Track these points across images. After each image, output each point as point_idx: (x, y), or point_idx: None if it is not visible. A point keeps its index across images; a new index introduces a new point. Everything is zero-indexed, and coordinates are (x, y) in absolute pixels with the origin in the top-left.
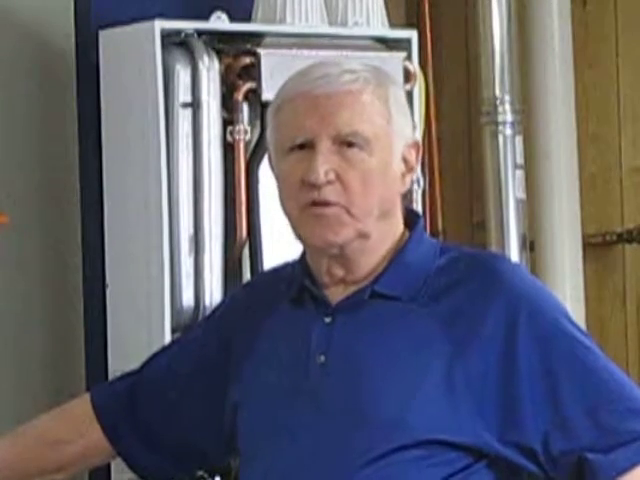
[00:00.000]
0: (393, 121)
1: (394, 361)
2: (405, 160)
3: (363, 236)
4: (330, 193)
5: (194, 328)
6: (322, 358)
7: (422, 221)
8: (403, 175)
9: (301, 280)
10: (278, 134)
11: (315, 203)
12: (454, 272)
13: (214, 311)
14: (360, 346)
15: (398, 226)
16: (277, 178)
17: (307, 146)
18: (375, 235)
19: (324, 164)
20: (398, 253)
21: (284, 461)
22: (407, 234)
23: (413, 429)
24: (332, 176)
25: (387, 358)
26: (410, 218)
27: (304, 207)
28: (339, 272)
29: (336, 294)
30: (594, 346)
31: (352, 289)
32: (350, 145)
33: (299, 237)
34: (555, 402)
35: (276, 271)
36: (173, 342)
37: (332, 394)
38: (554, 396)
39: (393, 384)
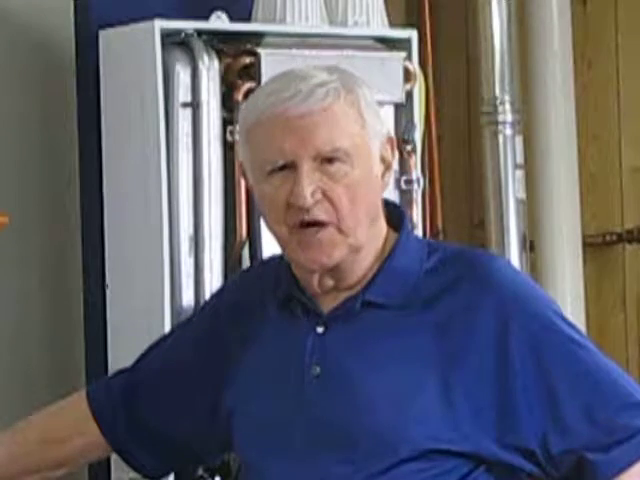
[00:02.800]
0: (367, 125)
1: (388, 372)
2: (383, 159)
3: (356, 250)
4: (319, 212)
5: (186, 323)
6: (317, 369)
7: (408, 220)
8: (383, 175)
9: (289, 288)
10: (254, 156)
11: (304, 224)
12: (443, 275)
13: (203, 307)
14: (354, 357)
15: (383, 227)
16: (259, 200)
17: (288, 167)
18: (366, 244)
19: (309, 185)
20: (387, 259)
21: (281, 474)
22: (393, 234)
23: (411, 441)
24: (319, 195)
25: (382, 369)
26: (394, 215)
27: (293, 228)
28: (330, 283)
29: (326, 302)
30: (588, 343)
31: (343, 296)
32: (331, 160)
33: (289, 258)
34: (551, 402)
35: (263, 266)
36: (166, 336)
37: (328, 406)
38: (550, 396)
39: (389, 396)
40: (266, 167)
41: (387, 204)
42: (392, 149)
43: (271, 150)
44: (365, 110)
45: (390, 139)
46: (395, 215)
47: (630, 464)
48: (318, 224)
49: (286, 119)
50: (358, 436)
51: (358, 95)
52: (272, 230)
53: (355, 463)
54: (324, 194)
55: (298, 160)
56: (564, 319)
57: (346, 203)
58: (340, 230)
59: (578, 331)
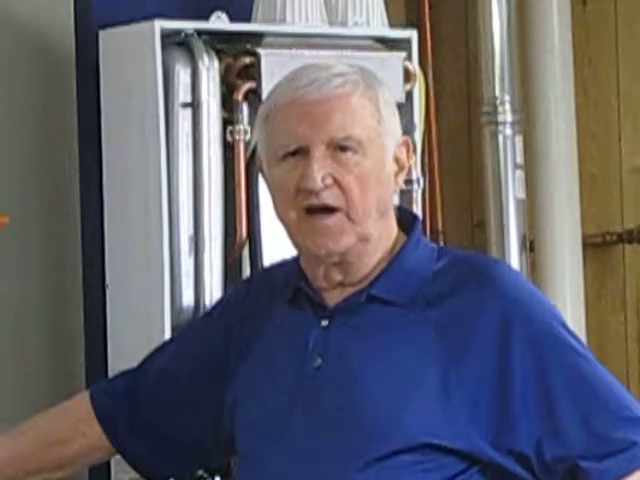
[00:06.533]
0: (384, 121)
1: (389, 366)
2: (397, 159)
3: (363, 239)
4: (329, 197)
5: (193, 325)
6: (319, 361)
7: (420, 223)
8: (396, 175)
9: (297, 282)
10: (269, 141)
11: (313, 209)
12: (450, 277)
13: (213, 308)
14: (356, 350)
15: (393, 227)
16: (270, 185)
17: (300, 153)
18: (374, 237)
19: (320, 170)
20: (395, 257)
21: (280, 463)
22: (403, 237)
23: (407, 433)
24: (329, 181)
25: (382, 363)
26: (406, 219)
27: (302, 214)
28: (337, 277)
29: (333, 296)
30: (588, 353)
31: (349, 291)
32: (344, 149)
33: (297, 245)
34: (548, 409)
35: (273, 269)
36: (172, 339)
37: (328, 397)
38: (547, 403)
39: (388, 389)
40: (279, 152)
41: (401, 209)
42: (408, 152)
43: (285, 134)
44: (383, 107)
45: (406, 142)
46: (408, 220)
47: (622, 475)
48: (327, 209)
49: (302, 104)
50: (353, 425)
51: (377, 92)
52: (281, 216)
53: (349, 452)
54: (335, 180)
55: (311, 145)
56: (566, 328)
57: (356, 191)
58: (349, 217)
59: (580, 341)
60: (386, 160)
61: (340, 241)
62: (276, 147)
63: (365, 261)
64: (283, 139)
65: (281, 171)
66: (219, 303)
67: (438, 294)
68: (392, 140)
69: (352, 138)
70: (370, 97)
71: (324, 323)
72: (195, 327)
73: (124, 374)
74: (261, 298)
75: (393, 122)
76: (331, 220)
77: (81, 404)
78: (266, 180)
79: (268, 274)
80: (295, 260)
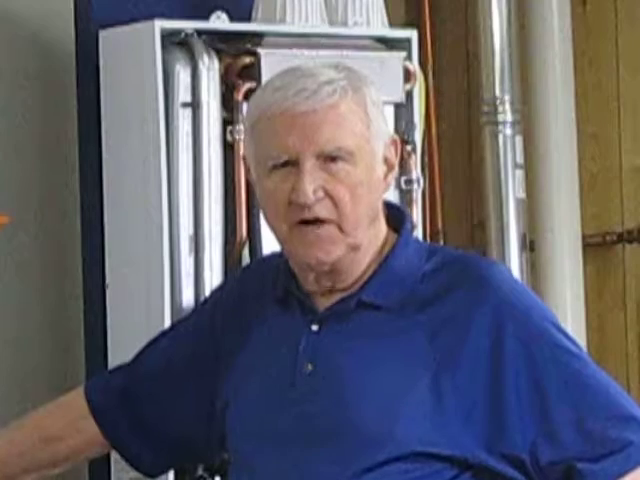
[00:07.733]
0: (372, 125)
1: (381, 372)
2: (386, 159)
3: (354, 249)
4: (321, 210)
5: (186, 318)
6: (309, 367)
7: (409, 222)
8: (385, 175)
9: (287, 283)
10: (258, 151)
11: (305, 221)
12: (440, 279)
13: (205, 301)
14: (347, 356)
15: (382, 228)
16: (260, 194)
17: (291, 164)
18: (364, 245)
19: (311, 183)
20: (385, 260)
21: (270, 469)
22: (392, 236)
23: (400, 441)
24: (321, 194)
25: (374, 369)
26: (395, 217)
27: (293, 225)
28: (327, 283)
29: (323, 301)
30: (582, 353)
31: (339, 296)
32: (334, 159)
33: (287, 252)
34: (542, 411)
35: (268, 260)
36: (165, 333)
37: (319, 402)
38: (541, 405)
39: (380, 395)
40: (269, 163)
41: (390, 206)
42: (396, 150)
43: (274, 146)
44: (371, 109)
45: (394, 140)
46: (396, 217)
47: (618, 476)
48: (318, 221)
49: (291, 115)
50: (345, 433)
51: (365, 94)
52: (272, 226)
53: (341, 460)
54: (326, 192)
55: (301, 157)
56: (560, 330)
57: (348, 202)
58: (340, 229)
59: (574, 342)
60: (376, 165)
61: (331, 252)
62: (265, 158)
63: (355, 267)
64: (272, 150)
65: (271, 183)
66: (211, 297)
67: (429, 296)
68: (381, 142)
69: (343, 149)
70: (359, 102)
71: (314, 328)
72: (188, 321)
73: (119, 368)
74: (253, 292)
75: (381, 123)
76: (322, 230)
77: (76, 400)
78: (254, 184)
79: (261, 266)
80: (283, 261)
